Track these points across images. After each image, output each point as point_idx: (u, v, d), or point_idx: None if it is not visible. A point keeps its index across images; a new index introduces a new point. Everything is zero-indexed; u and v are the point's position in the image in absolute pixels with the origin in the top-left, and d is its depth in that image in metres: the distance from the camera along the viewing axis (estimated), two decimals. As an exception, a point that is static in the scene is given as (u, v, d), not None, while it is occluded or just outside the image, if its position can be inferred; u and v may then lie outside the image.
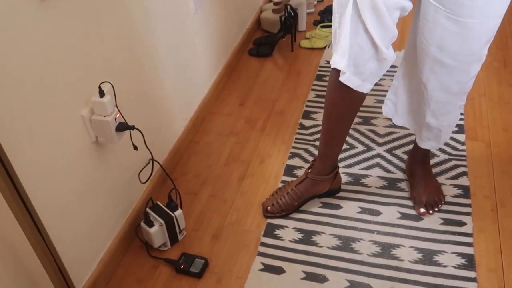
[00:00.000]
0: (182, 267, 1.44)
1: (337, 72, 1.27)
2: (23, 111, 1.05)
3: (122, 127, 1.32)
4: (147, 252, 1.51)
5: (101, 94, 1.25)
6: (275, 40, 2.40)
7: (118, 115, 1.30)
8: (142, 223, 1.49)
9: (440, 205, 1.55)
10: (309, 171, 1.57)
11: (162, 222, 1.47)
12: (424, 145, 1.52)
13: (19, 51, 1.01)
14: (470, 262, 1.38)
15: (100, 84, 1.24)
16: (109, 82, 1.27)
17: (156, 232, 1.47)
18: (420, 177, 1.60)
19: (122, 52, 1.39)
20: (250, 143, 1.89)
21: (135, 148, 1.39)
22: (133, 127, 1.33)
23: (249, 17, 2.53)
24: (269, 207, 1.58)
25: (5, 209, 0.91)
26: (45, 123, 1.12)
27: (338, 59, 1.24)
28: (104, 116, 1.27)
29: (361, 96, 1.32)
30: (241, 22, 2.42)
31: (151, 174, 1.60)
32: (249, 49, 2.44)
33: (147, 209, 1.50)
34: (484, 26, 1.16)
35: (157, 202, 1.53)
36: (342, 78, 1.26)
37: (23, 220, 0.90)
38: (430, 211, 1.53)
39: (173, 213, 1.49)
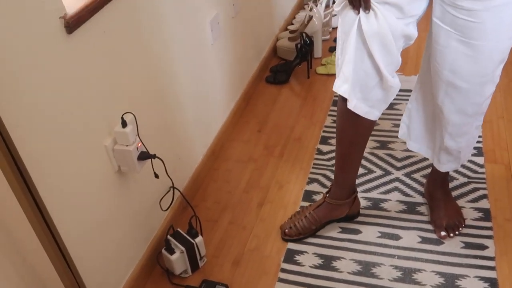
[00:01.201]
0: (203, 294, 1.46)
1: (344, 99, 1.29)
2: (50, 142, 1.09)
3: (144, 156, 1.35)
4: (168, 279, 1.52)
5: (124, 124, 1.29)
6: (291, 67, 2.44)
7: (139, 144, 1.34)
8: (163, 250, 1.51)
9: (461, 228, 1.54)
10: (327, 195, 1.58)
11: (183, 249, 1.49)
12: (443, 168, 1.52)
13: (47, 85, 1.05)
14: (493, 286, 1.36)
15: (122, 115, 1.29)
16: (131, 113, 1.31)
17: (177, 259, 1.49)
18: (440, 200, 1.59)
19: (143, 83, 1.44)
20: (269, 169, 1.92)
21: (156, 176, 1.42)
22: (154, 156, 1.37)
23: (265, 45, 2.58)
24: (286, 230, 1.59)
25: (33, 236, 0.94)
26: (70, 154, 1.16)
27: (339, 84, 1.27)
28: (126, 145, 1.31)
29: (369, 123, 1.34)
30: (258, 50, 2.48)
31: (172, 201, 1.63)
32: (266, 77, 2.48)
33: (168, 236, 1.52)
34: (496, 48, 1.17)
35: (178, 229, 1.55)
36: (350, 106, 1.28)
37: (50, 249, 0.94)
38: (451, 234, 1.52)
39: (194, 240, 1.51)
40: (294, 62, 2.44)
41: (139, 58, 1.40)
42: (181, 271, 1.52)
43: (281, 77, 2.44)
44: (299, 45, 2.39)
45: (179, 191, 1.67)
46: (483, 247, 1.48)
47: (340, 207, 1.57)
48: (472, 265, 1.43)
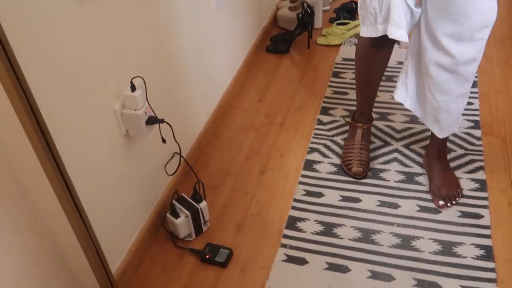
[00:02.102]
0: (207, 256, 1.49)
1: (367, 39, 1.49)
2: (63, 106, 1.10)
3: (152, 120, 1.36)
4: (173, 242, 1.55)
5: (133, 88, 1.30)
6: (292, 37, 2.44)
7: (148, 109, 1.35)
8: (168, 214, 1.53)
9: (458, 198, 1.58)
10: (352, 120, 1.79)
11: (188, 213, 1.51)
12: (430, 127, 1.59)
13: (59, 49, 1.05)
14: (488, 253, 1.42)
15: (131, 79, 1.29)
16: (141, 77, 1.31)
17: (182, 223, 1.52)
18: (438, 170, 1.64)
19: (151, 49, 1.43)
20: (270, 137, 1.94)
21: (164, 141, 1.44)
22: (162, 121, 1.38)
23: (266, 15, 2.57)
24: (361, 169, 1.69)
25: (53, 198, 0.96)
26: (80, 117, 1.17)
27: (395, 31, 1.35)
28: (135, 110, 1.32)
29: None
30: (259, 19, 2.46)
31: (178, 167, 1.65)
32: (266, 46, 2.48)
33: (173, 201, 1.55)
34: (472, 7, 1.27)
35: (182, 194, 1.58)
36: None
37: (67, 206, 0.95)
38: (449, 204, 1.56)
39: (198, 205, 1.54)
40: (295, 32, 2.44)
41: (147, 24, 1.40)
42: (185, 234, 1.56)
43: (281, 47, 2.44)
44: (300, 15, 2.39)
45: (183, 157, 1.68)
46: (479, 216, 1.53)
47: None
48: (468, 233, 1.48)
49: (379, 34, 1.42)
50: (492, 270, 1.37)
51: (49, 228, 1.13)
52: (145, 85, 1.32)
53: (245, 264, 1.48)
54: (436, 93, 1.46)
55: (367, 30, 1.46)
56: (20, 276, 1.07)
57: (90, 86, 1.18)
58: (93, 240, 1.03)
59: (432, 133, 1.61)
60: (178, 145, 1.56)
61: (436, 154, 1.66)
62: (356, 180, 1.69)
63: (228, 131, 1.99)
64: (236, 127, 2.01)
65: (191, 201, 1.56)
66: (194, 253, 1.52)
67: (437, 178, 1.62)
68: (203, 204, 1.55)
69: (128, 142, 1.39)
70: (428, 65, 1.42)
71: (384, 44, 1.51)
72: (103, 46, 1.20)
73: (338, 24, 2.53)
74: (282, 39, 2.47)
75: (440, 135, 1.58)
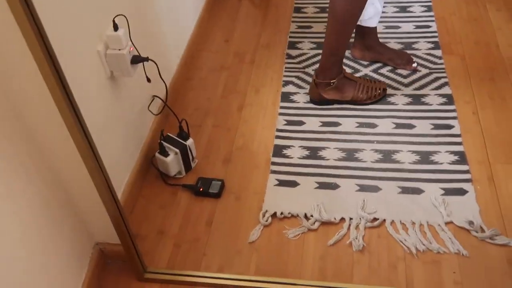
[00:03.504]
0: (201, 189, 1.53)
1: None
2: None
3: (136, 59, 1.36)
4: (164, 181, 1.58)
5: (115, 27, 1.28)
6: (249, -23, 2.43)
7: (131, 48, 1.34)
8: (157, 154, 1.55)
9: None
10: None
11: (177, 150, 1.54)
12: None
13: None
14: (462, 158, 1.54)
15: (114, 18, 1.27)
16: (123, 15, 1.29)
17: (172, 161, 1.54)
18: (385, 47, 1.88)
19: (125, -14, 1.40)
20: (243, 75, 1.96)
21: (149, 80, 1.44)
22: (147, 59, 1.37)
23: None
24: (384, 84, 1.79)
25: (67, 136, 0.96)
26: (64, 63, 1.14)
27: None
28: (119, 49, 1.31)
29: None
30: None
31: (164, 106, 1.65)
32: (225, -13, 2.45)
33: (161, 141, 1.56)
34: None
35: (168, 133, 1.59)
36: None
37: (77, 133, 0.96)
38: (415, 64, 1.86)
39: (186, 142, 1.57)
40: (252, -29, 2.42)
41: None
42: (175, 172, 1.59)
43: (240, -13, 2.43)
44: (257, -47, 2.37)
45: (160, 98, 1.68)
46: (449, 126, 1.65)
47: None
48: (442, 142, 1.60)
49: None
50: (467, 172, 1.50)
51: (58, 171, 1.13)
52: (128, 24, 1.31)
53: (239, 193, 1.53)
54: None
55: None
56: (31, 219, 1.08)
57: (69, 27, 1.15)
58: (101, 166, 1.04)
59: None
60: (164, 82, 1.56)
61: (374, 37, 1.88)
62: (333, 106, 1.76)
63: (201, 73, 1.99)
64: (208, 68, 2.01)
65: (178, 139, 1.58)
66: (187, 188, 1.56)
67: (391, 53, 1.88)
68: (190, 141, 1.58)
69: (113, 84, 1.38)
70: None
71: None
72: (82, -18, 1.17)
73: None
74: (240, -21, 2.45)
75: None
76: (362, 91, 1.74)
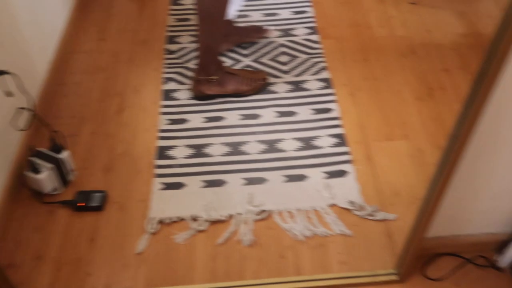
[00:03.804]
0: (81, 204, 1.43)
1: None
2: None
3: (-13, 71, 1.23)
4: (39, 199, 1.46)
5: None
6: (121, -30, 2.31)
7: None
8: (27, 172, 1.43)
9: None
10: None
11: (51, 166, 1.43)
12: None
13: None
14: (341, 140, 1.58)
15: None
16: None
17: (46, 177, 1.43)
18: (237, 29, 1.92)
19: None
20: (120, 76, 1.87)
21: (9, 95, 1.31)
22: (7, 72, 1.24)
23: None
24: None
25: None
26: None
27: None
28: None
29: None
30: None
31: (33, 120, 1.52)
32: (95, -17, 2.31)
33: (30, 158, 1.43)
34: None
35: (38, 149, 1.47)
36: None
37: None
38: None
39: (60, 155, 1.46)
40: (123, -36, 2.31)
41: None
42: (51, 188, 1.47)
43: (112, -18, 2.30)
44: None
45: (30, 109, 1.55)
46: (329, 110, 1.68)
47: None
48: (323, 126, 1.63)
49: None
50: (346, 153, 1.54)
51: None
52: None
53: (123, 202, 1.46)
54: None
55: None
56: None
57: None
58: None
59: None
60: (28, 96, 1.42)
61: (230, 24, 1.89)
62: (217, 101, 1.73)
63: (75, 77, 1.86)
64: (82, 71, 1.89)
65: (51, 153, 1.46)
66: (66, 205, 1.45)
67: (245, 30, 1.95)
68: (65, 154, 1.47)
69: (-39, 101, 1.24)
70: None
71: None
72: None
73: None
74: (111, -26, 2.32)
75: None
76: (243, 83, 1.71)
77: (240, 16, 2.10)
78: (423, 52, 1.90)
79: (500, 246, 1.26)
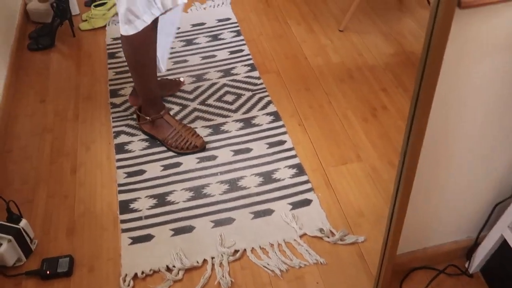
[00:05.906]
0: (48, 272, 1.39)
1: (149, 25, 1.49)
2: None
3: None
4: (3, 274, 1.40)
5: None
6: (52, 29, 2.29)
7: None
8: (-14, 248, 1.37)
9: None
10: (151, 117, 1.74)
11: (10, 237, 1.37)
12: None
13: None
14: (299, 169, 1.64)
15: None
16: None
17: (7, 250, 1.37)
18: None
19: None
20: (68, 134, 1.84)
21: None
22: None
23: (14, 12, 2.35)
24: (201, 138, 1.73)
25: None
26: None
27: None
28: None
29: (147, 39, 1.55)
30: (7, 18, 2.24)
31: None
32: (27, 45, 2.28)
33: (-13, 232, 1.38)
34: None
35: (-5, 221, 1.42)
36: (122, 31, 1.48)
37: None
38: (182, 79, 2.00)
39: (18, 225, 1.41)
40: (54, 23, 2.30)
41: None
42: (14, 261, 1.41)
43: (44, 42, 2.28)
44: (55, 4, 2.25)
45: (-21, 183, 1.49)
46: (282, 142, 1.74)
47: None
48: (279, 158, 1.68)
49: (163, 10, 1.47)
50: (307, 181, 1.60)
51: None
52: None
53: (91, 264, 1.42)
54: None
55: (148, 16, 1.47)
56: None
57: None
58: None
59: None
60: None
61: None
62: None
63: (20, 141, 1.82)
64: (27, 134, 1.84)
65: (9, 224, 1.41)
66: (32, 275, 1.40)
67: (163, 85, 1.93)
68: (23, 223, 1.43)
69: None
70: None
71: (156, 21, 1.53)
72: None
73: (96, 6, 2.46)
74: (42, 34, 2.30)
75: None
76: (173, 137, 1.72)
77: (178, 62, 2.14)
78: (360, 75, 2.02)
79: (468, 252, 1.33)
